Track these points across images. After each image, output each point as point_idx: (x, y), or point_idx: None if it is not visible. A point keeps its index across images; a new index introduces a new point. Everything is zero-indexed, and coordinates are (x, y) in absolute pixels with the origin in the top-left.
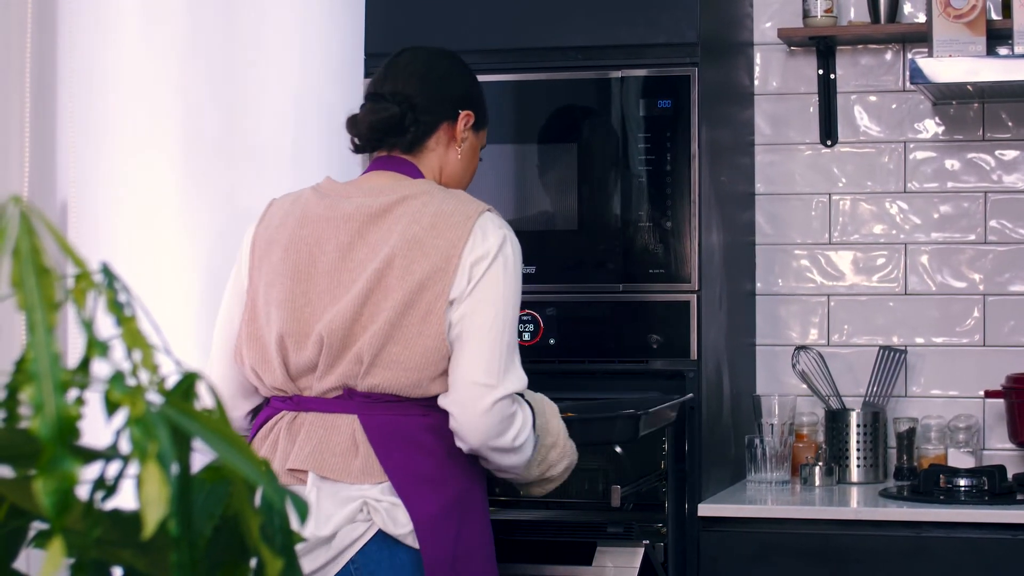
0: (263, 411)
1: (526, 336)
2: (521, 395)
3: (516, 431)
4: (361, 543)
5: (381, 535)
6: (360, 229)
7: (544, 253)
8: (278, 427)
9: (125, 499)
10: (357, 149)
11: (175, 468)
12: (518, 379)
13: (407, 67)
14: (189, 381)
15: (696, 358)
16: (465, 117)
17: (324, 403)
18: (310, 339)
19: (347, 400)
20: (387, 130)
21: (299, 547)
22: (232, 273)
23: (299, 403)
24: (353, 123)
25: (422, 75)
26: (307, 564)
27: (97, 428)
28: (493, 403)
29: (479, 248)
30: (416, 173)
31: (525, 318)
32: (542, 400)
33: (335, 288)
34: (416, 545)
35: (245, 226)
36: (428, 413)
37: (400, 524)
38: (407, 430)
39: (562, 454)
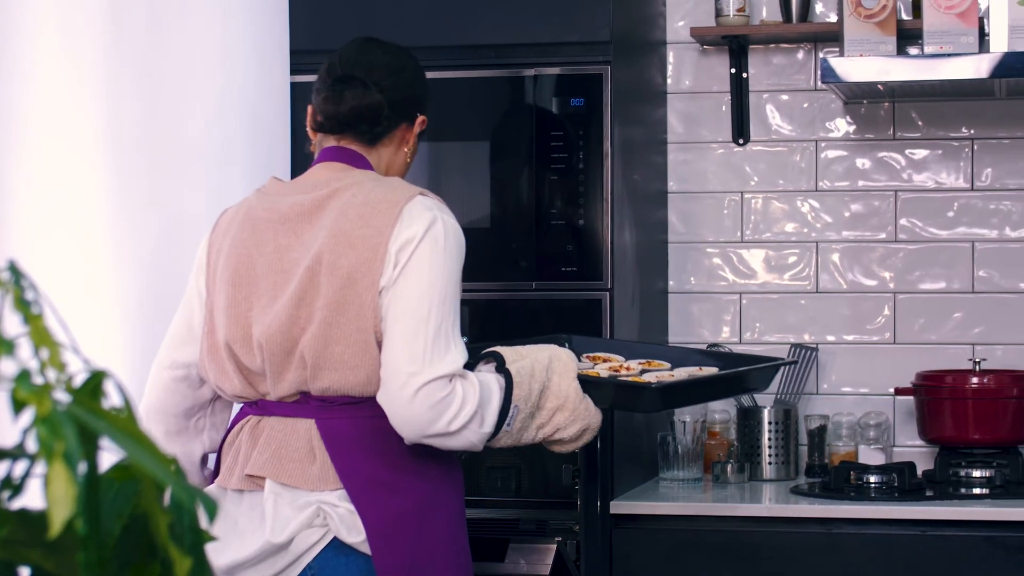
0: (234, 416)
1: None
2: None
3: (452, 415)
4: (317, 549)
5: (337, 541)
6: (295, 228)
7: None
8: (243, 432)
9: (32, 499)
10: (320, 128)
11: (82, 467)
12: (451, 361)
13: (382, 60)
14: (97, 380)
15: None
16: (421, 123)
17: (284, 407)
18: (253, 345)
19: (304, 404)
20: (367, 118)
21: (257, 552)
22: (187, 287)
23: (263, 407)
24: (336, 101)
25: (396, 72)
26: (265, 569)
27: (3, 427)
28: (416, 390)
29: (405, 233)
30: (365, 165)
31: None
32: (539, 363)
33: (273, 291)
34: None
35: (167, 224)
36: (383, 415)
37: (355, 531)
38: (362, 434)
39: (573, 417)
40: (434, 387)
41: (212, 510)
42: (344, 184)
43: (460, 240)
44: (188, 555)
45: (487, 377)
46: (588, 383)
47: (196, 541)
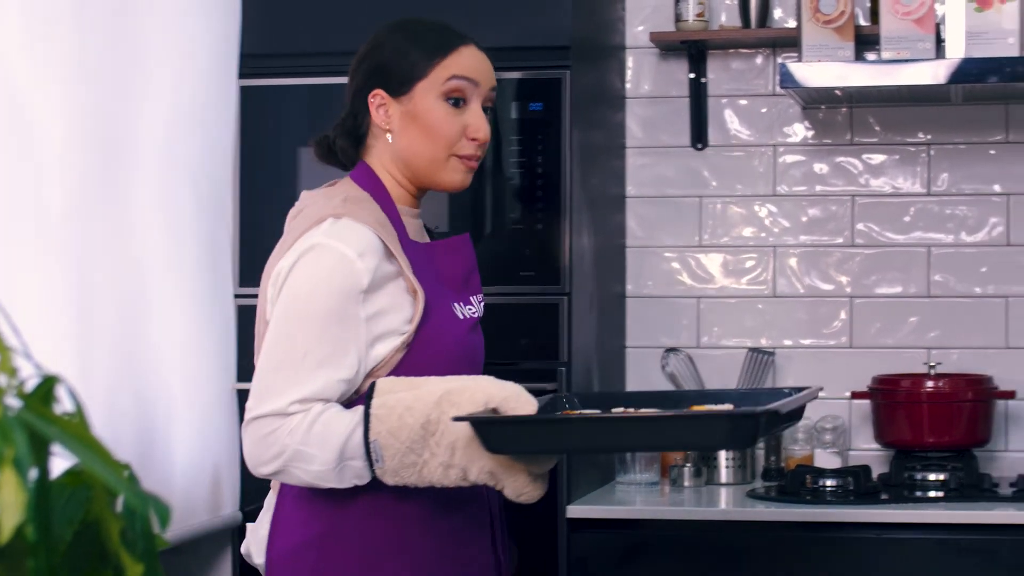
0: None
1: None
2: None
3: (274, 453)
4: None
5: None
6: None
7: None
8: None
9: None
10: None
11: (33, 473)
12: (278, 395)
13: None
14: (48, 385)
15: (566, 360)
16: (375, 97)
17: None
18: None
19: None
20: (334, 128)
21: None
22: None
23: None
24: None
25: (349, 73)
26: None
27: None
28: (246, 425)
29: (282, 263)
30: (357, 170)
31: None
32: (428, 395)
33: None
34: None
35: (116, 228)
36: None
37: (261, 554)
38: None
39: (468, 457)
40: (260, 424)
41: (164, 516)
42: (298, 208)
43: (337, 268)
44: (140, 561)
45: (337, 414)
46: (481, 423)
47: (148, 547)
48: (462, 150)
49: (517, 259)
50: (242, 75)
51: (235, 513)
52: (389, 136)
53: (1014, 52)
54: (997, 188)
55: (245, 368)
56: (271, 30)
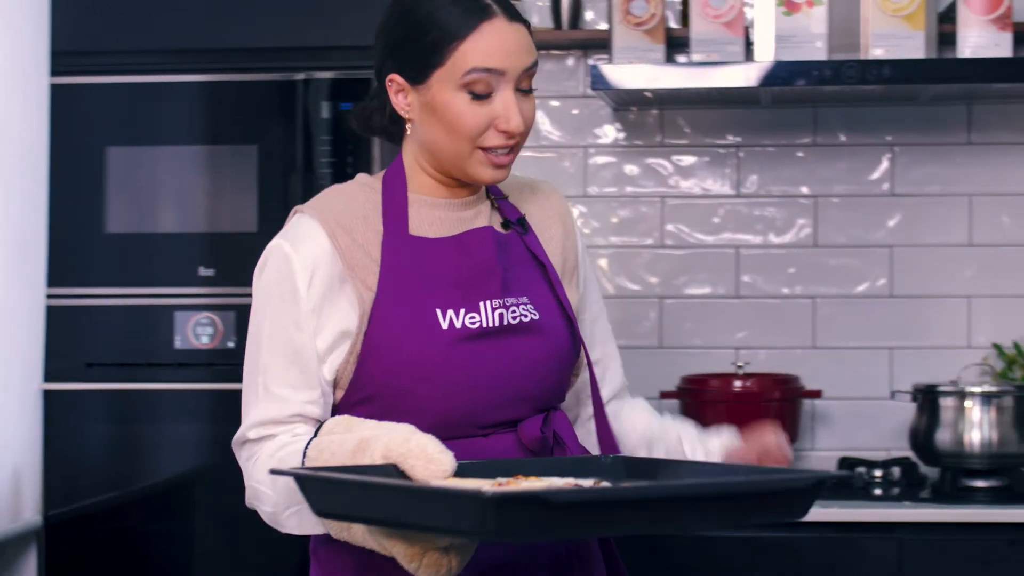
0: None
1: (204, 339)
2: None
3: (247, 476)
4: None
5: None
6: None
7: (224, 255)
8: None
9: None
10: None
11: None
12: (245, 417)
13: None
14: None
15: None
16: (391, 84)
17: None
18: None
19: None
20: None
21: None
22: None
23: None
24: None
25: (375, 42)
26: None
27: None
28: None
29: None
30: (394, 165)
31: (204, 321)
32: (353, 443)
33: None
34: None
35: None
36: None
37: None
38: None
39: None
40: (237, 448)
41: None
42: None
43: (284, 275)
44: None
45: (291, 454)
46: (299, 478)
47: None
48: (487, 141)
49: None
50: (54, 73)
51: (36, 518)
52: (409, 126)
53: (822, 56)
54: (805, 190)
55: (53, 369)
56: (82, 28)
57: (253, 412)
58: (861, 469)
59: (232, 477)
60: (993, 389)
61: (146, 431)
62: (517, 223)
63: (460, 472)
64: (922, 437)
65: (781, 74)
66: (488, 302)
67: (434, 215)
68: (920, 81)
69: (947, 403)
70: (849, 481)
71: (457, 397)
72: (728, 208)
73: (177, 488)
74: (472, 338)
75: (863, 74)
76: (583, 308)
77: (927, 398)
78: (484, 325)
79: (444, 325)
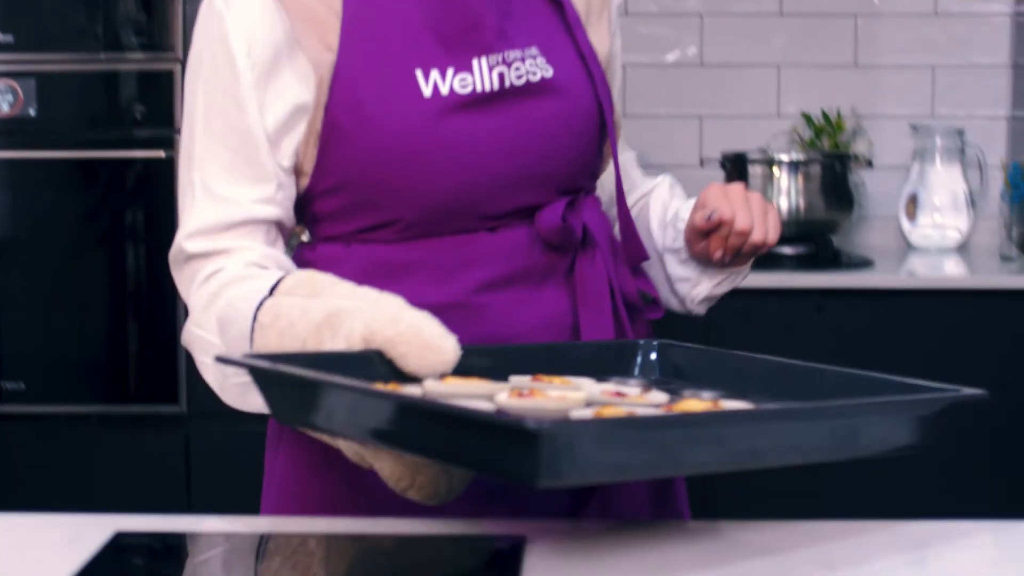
0: None
1: (4, 107)
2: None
3: (189, 306)
4: None
5: None
6: None
7: (24, 19)
8: None
9: None
10: None
11: None
12: (182, 225)
13: None
14: None
15: (180, 127)
16: None
17: None
18: None
19: None
20: None
21: None
22: None
23: None
24: None
25: None
26: None
27: None
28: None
29: None
30: None
31: (2, 88)
32: (317, 312)
33: None
34: None
35: None
36: None
37: None
38: None
39: None
40: (174, 255)
41: None
42: None
43: (213, 33)
44: None
45: (241, 299)
46: (256, 373)
47: None
48: None
49: (129, 24)
50: None
51: None
52: None
53: None
54: None
55: None
56: None
57: (190, 218)
58: None
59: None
60: (801, 157)
61: None
62: None
63: (462, 360)
64: None
65: None
66: (483, 58)
67: None
68: None
69: (755, 171)
70: None
71: (448, 184)
72: None
73: None
74: (463, 107)
75: None
76: (612, 67)
77: (736, 165)
78: (479, 89)
79: (427, 92)
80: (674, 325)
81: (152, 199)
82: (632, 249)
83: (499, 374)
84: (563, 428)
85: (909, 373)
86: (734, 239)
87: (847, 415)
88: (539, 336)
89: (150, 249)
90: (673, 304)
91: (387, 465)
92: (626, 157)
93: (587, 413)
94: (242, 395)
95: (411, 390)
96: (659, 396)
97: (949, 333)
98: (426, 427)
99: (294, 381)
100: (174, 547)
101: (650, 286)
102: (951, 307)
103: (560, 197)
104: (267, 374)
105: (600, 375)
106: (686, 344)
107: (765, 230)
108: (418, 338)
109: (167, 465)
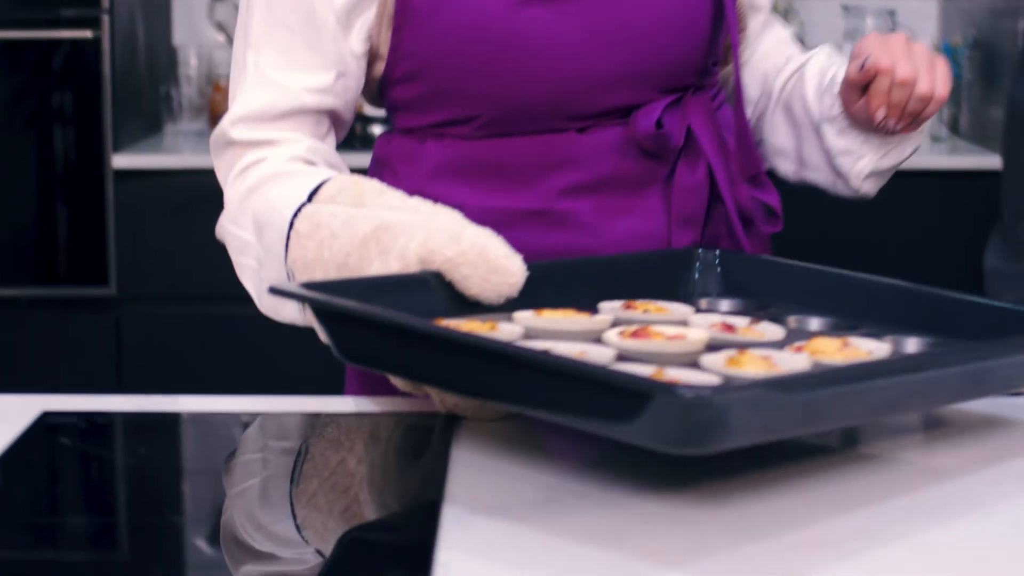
0: None
1: None
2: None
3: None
4: None
5: None
6: None
7: None
8: None
9: None
10: None
11: None
12: (231, 106)
13: None
14: None
15: (108, 6)
16: None
17: None
18: None
19: None
20: None
21: None
22: None
23: None
24: None
25: None
26: None
27: None
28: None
29: None
30: None
31: None
32: (364, 224)
33: None
34: None
35: None
36: None
37: None
38: None
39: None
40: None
41: None
42: None
43: None
44: None
45: (279, 196)
46: (319, 310)
47: None
48: None
49: None
50: None
51: None
52: None
53: None
54: None
55: None
56: None
57: (239, 101)
58: None
59: None
60: None
61: None
62: None
63: (529, 280)
64: None
65: None
66: None
67: None
68: None
69: None
70: None
71: (526, 77)
72: None
73: None
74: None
75: None
76: None
77: None
78: None
79: None
80: None
81: (80, 80)
82: (744, 159)
83: (567, 293)
84: (724, 397)
85: (841, 259)
86: (896, 93)
87: (993, 357)
88: (629, 249)
89: (78, 131)
90: (838, 187)
91: (450, 398)
92: (775, 35)
93: (718, 360)
94: (278, 306)
95: (507, 328)
96: (773, 329)
97: (880, 215)
98: (555, 387)
99: (372, 322)
100: (102, 426)
101: (773, 196)
102: (881, 189)
103: (661, 96)
104: (332, 310)
105: (660, 292)
106: (754, 256)
107: (932, 81)
108: (482, 259)
109: (97, 348)
